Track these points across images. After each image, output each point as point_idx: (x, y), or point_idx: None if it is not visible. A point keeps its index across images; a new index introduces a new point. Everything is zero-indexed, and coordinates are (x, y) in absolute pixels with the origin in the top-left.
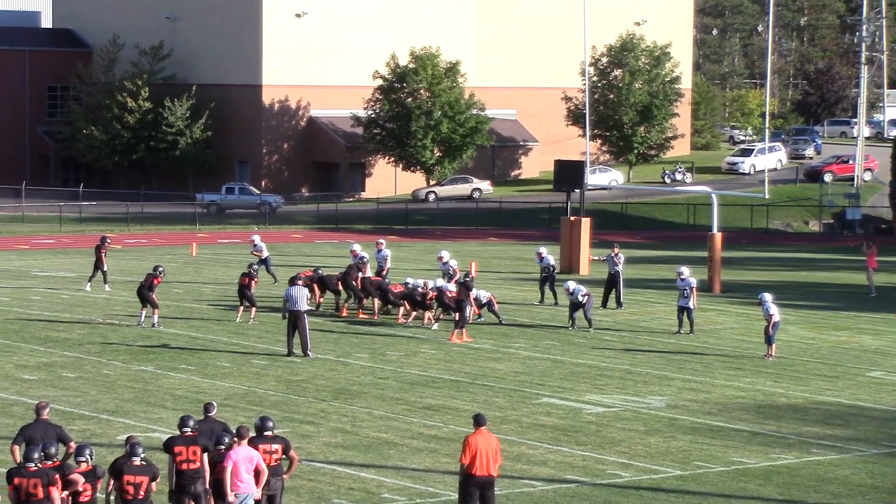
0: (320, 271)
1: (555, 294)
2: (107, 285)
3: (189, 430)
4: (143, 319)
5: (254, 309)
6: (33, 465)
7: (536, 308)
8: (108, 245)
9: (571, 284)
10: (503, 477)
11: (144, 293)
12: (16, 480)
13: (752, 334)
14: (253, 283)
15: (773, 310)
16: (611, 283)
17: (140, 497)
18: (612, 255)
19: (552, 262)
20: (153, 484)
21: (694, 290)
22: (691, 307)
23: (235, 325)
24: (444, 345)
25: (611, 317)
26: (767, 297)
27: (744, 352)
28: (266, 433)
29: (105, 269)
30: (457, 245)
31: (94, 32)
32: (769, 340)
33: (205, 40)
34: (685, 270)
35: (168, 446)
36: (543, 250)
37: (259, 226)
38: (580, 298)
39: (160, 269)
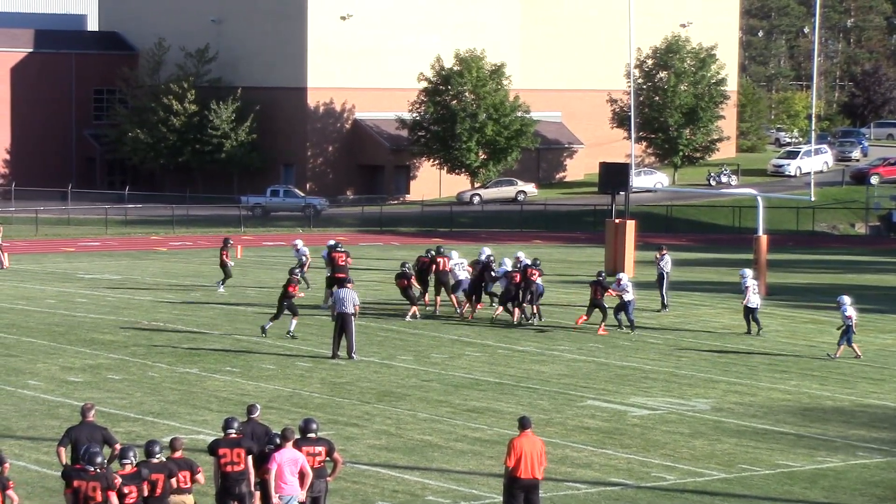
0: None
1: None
2: (221, 287)
3: (234, 432)
4: (292, 328)
5: (295, 319)
6: (93, 468)
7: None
8: (231, 245)
9: (624, 277)
10: (548, 480)
11: (284, 301)
12: (75, 483)
13: (798, 337)
14: (296, 289)
15: (851, 311)
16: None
17: (157, 495)
18: (658, 257)
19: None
20: (172, 481)
21: (747, 289)
22: (749, 306)
23: (280, 328)
24: (489, 347)
25: (655, 319)
26: (846, 299)
27: (789, 354)
28: (310, 435)
29: (228, 270)
30: (501, 248)
31: (140, 35)
32: (848, 341)
33: (250, 43)
34: (746, 272)
35: (212, 449)
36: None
37: (303, 228)
38: (627, 295)
39: (296, 272)
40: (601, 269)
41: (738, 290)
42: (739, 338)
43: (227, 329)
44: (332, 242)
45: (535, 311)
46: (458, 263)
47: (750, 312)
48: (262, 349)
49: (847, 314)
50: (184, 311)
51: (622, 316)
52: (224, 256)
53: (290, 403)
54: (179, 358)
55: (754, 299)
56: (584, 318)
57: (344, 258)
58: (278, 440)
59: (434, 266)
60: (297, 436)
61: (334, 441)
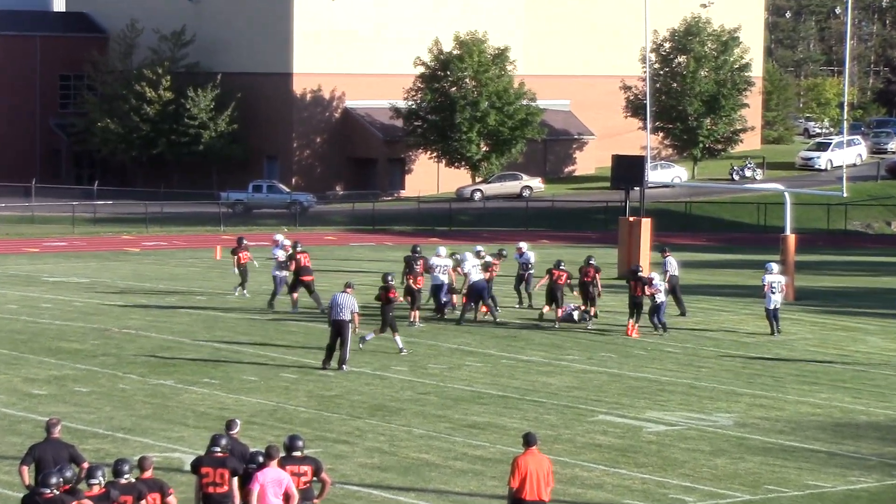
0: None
1: (529, 295)
2: (237, 290)
3: (219, 450)
4: (369, 336)
5: (386, 332)
6: (49, 490)
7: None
8: (245, 245)
9: (656, 276)
10: (555, 501)
11: (388, 311)
12: None
13: (829, 345)
14: (396, 294)
15: None
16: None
17: None
18: (662, 260)
19: (532, 258)
20: (141, 503)
21: (766, 286)
22: (768, 307)
23: (263, 336)
24: (491, 357)
25: (673, 326)
26: None
27: (820, 363)
28: (295, 453)
29: (246, 271)
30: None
31: (110, 17)
32: None
33: (231, 25)
34: (773, 266)
35: (195, 466)
36: (524, 245)
37: (289, 227)
38: (660, 295)
39: (390, 278)
40: (637, 264)
41: (762, 294)
42: (765, 346)
43: (206, 337)
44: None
45: (558, 314)
46: (474, 266)
47: (771, 312)
48: (242, 359)
49: None
50: (158, 318)
51: (656, 318)
52: (241, 259)
53: (273, 418)
54: (153, 369)
55: (774, 299)
56: (633, 325)
57: (308, 258)
58: (261, 458)
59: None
60: (282, 454)
61: (322, 460)
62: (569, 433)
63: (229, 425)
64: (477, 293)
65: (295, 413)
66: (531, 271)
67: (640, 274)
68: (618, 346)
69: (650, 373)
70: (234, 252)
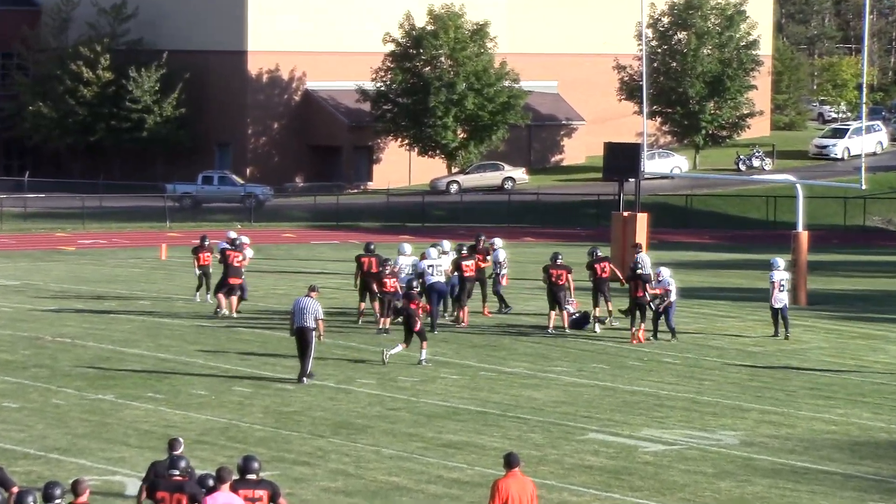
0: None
1: (499, 297)
2: (198, 295)
3: (178, 473)
4: (423, 356)
5: (424, 344)
6: None
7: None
8: (209, 245)
9: (664, 270)
10: None
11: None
12: None
13: (846, 355)
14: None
15: None
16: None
17: None
18: (635, 257)
19: (502, 256)
20: None
21: (773, 284)
22: (775, 306)
23: (213, 345)
24: (469, 368)
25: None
26: None
27: (835, 377)
28: (250, 476)
29: (209, 274)
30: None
31: None
32: None
33: None
34: (779, 262)
35: (150, 490)
36: (498, 241)
37: (242, 223)
38: (671, 294)
39: (415, 284)
40: (636, 259)
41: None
42: (774, 356)
43: (150, 346)
44: (233, 234)
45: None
46: (432, 264)
47: (778, 312)
48: (191, 370)
49: None
50: (96, 325)
51: (660, 320)
52: (203, 260)
53: (225, 437)
54: (91, 382)
55: (781, 297)
56: (639, 329)
57: (238, 258)
58: (212, 482)
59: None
60: (235, 477)
61: (280, 483)
62: (556, 453)
63: (172, 445)
64: (437, 294)
65: (249, 431)
66: (503, 272)
67: (639, 271)
68: (610, 356)
69: (647, 386)
70: (196, 252)
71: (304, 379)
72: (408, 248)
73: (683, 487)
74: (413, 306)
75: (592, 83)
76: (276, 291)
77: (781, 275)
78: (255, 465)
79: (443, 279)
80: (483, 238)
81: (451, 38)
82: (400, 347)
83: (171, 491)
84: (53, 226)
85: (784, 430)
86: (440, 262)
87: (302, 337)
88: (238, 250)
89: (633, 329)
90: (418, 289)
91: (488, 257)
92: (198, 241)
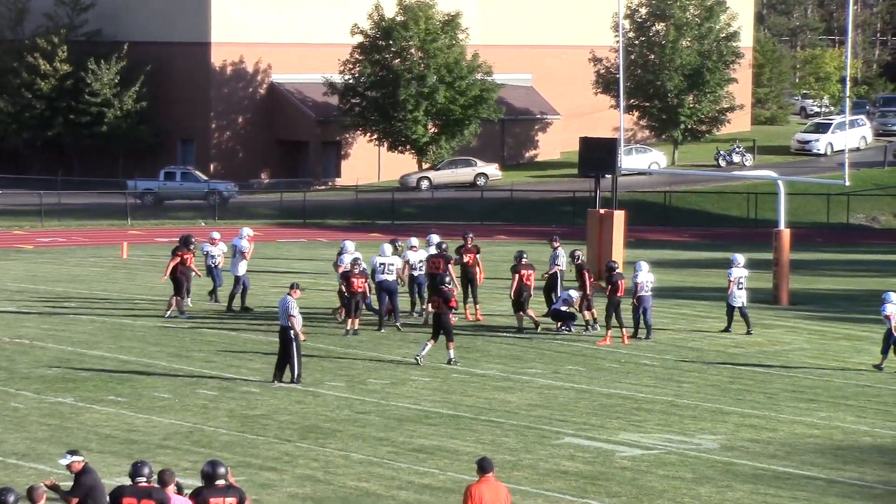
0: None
1: (422, 299)
2: (188, 298)
3: (144, 480)
4: (451, 354)
5: (451, 344)
6: None
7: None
8: (195, 245)
9: (642, 265)
10: None
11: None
12: None
13: (829, 357)
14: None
15: (891, 310)
16: (550, 287)
17: None
18: (552, 252)
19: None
20: None
21: (732, 282)
22: (733, 304)
23: (177, 346)
24: (441, 371)
25: (653, 335)
26: (893, 296)
27: (818, 379)
28: (218, 482)
29: (189, 277)
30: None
31: None
32: (885, 349)
33: None
34: (739, 259)
35: (115, 497)
36: (433, 237)
37: (206, 220)
38: (645, 290)
39: (448, 280)
40: (613, 260)
41: (751, 298)
42: (755, 357)
43: (111, 348)
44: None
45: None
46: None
47: (735, 310)
48: (154, 370)
49: (886, 312)
50: (55, 326)
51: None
52: (186, 262)
53: (189, 441)
54: (50, 384)
55: (739, 295)
56: (610, 333)
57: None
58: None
59: None
60: (201, 483)
61: (247, 489)
62: (530, 458)
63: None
64: (386, 293)
65: (214, 435)
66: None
67: (616, 271)
68: (587, 357)
69: (624, 389)
70: (175, 252)
71: (295, 382)
72: (388, 248)
73: (662, 493)
74: (437, 301)
75: (568, 76)
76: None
77: (740, 272)
78: (223, 469)
79: (393, 277)
80: (471, 236)
81: (422, 30)
82: (429, 346)
83: (138, 497)
84: (11, 223)
85: (765, 433)
86: (392, 260)
87: (280, 336)
88: (193, 251)
89: (609, 331)
90: (448, 282)
91: (478, 256)
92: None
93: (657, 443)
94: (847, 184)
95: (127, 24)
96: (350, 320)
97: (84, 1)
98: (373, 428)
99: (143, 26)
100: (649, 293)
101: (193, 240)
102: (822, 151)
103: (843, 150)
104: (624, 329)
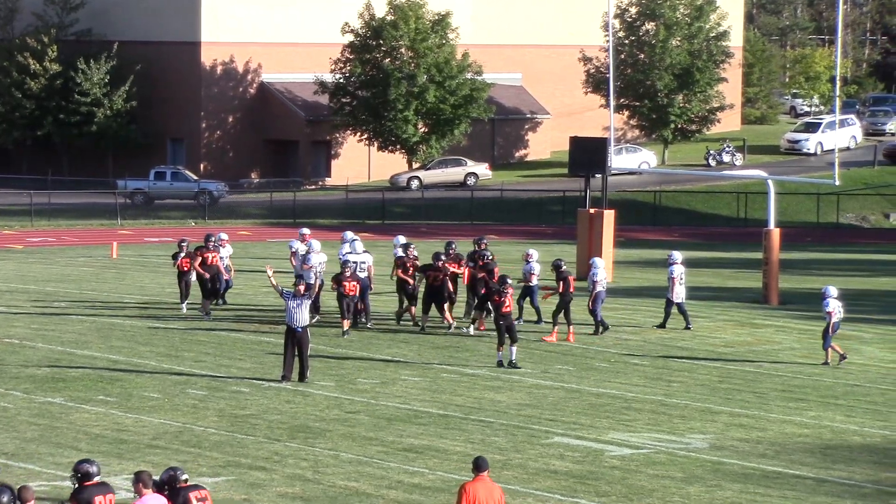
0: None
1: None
2: (184, 304)
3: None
4: (513, 356)
5: (514, 346)
6: None
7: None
8: (186, 247)
9: (598, 262)
10: None
11: (501, 322)
12: None
13: (818, 356)
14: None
15: (834, 306)
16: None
17: None
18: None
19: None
20: None
21: (673, 279)
22: (673, 300)
23: (167, 346)
24: (430, 369)
25: (640, 334)
26: (832, 290)
27: (807, 378)
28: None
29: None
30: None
31: None
32: (826, 344)
33: None
34: (677, 256)
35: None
36: (400, 238)
37: (196, 220)
38: (599, 285)
39: (509, 280)
40: (559, 259)
41: (741, 298)
42: (745, 356)
43: (101, 347)
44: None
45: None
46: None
47: (674, 306)
48: (144, 370)
49: (829, 308)
50: (45, 325)
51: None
52: (184, 265)
53: (179, 441)
54: (39, 384)
55: (679, 291)
56: (556, 330)
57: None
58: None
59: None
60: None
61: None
62: (520, 458)
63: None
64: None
65: (204, 435)
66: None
67: (563, 269)
68: (576, 357)
69: (613, 388)
70: (196, 252)
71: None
72: (359, 246)
73: (651, 493)
74: (497, 301)
75: (558, 75)
76: (230, 290)
77: (680, 269)
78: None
79: (365, 275)
80: (485, 241)
81: (412, 29)
82: (514, 348)
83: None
84: (0, 223)
85: (755, 433)
86: (363, 258)
87: (291, 337)
88: (215, 250)
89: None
90: (511, 284)
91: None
92: (177, 246)
93: (647, 442)
94: (837, 183)
95: (117, 23)
96: (344, 321)
97: (74, 0)
98: (362, 427)
99: (132, 26)
100: (604, 289)
101: (213, 238)
102: (811, 151)
103: (832, 150)
104: (571, 326)
